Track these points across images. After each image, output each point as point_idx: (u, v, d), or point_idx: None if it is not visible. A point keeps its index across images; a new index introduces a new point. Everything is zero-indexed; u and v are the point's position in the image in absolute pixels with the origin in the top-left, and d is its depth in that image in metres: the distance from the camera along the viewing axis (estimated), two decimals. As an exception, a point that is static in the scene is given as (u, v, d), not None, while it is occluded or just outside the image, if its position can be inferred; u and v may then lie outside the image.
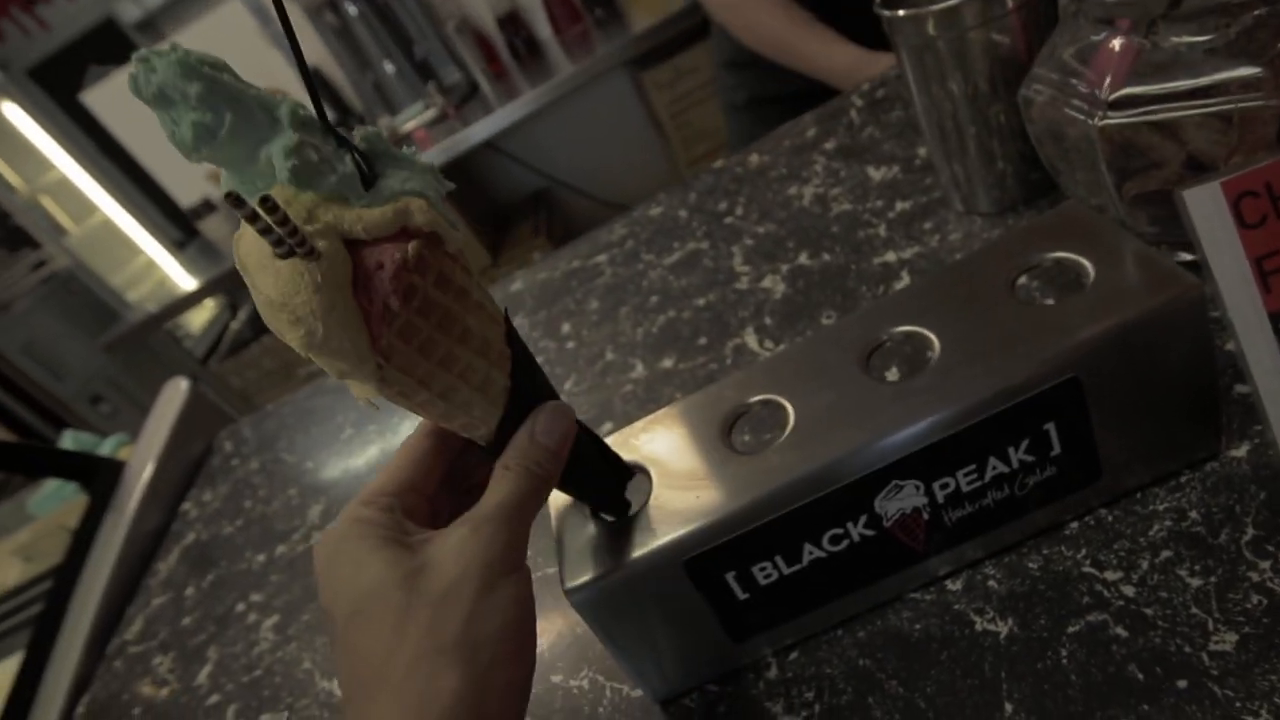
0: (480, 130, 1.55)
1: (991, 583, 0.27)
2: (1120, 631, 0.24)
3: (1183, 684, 0.22)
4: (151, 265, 4.05)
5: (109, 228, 3.96)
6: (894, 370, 0.33)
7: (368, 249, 0.21)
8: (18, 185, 3.54)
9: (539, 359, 0.54)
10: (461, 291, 0.23)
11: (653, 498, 0.26)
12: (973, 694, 0.24)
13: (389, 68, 1.69)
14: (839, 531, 0.25)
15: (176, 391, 0.74)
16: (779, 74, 0.83)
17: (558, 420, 0.24)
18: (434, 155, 1.55)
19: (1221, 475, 0.26)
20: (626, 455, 0.28)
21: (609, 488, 0.27)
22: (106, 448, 0.73)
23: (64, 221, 3.69)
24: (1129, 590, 0.25)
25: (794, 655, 0.28)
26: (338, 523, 0.24)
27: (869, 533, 0.25)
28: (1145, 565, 0.25)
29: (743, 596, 0.26)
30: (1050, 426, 0.24)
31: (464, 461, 0.26)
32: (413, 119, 1.70)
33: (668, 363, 0.47)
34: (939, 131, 0.43)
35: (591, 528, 0.27)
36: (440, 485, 0.25)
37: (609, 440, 0.28)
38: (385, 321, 0.21)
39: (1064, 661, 0.24)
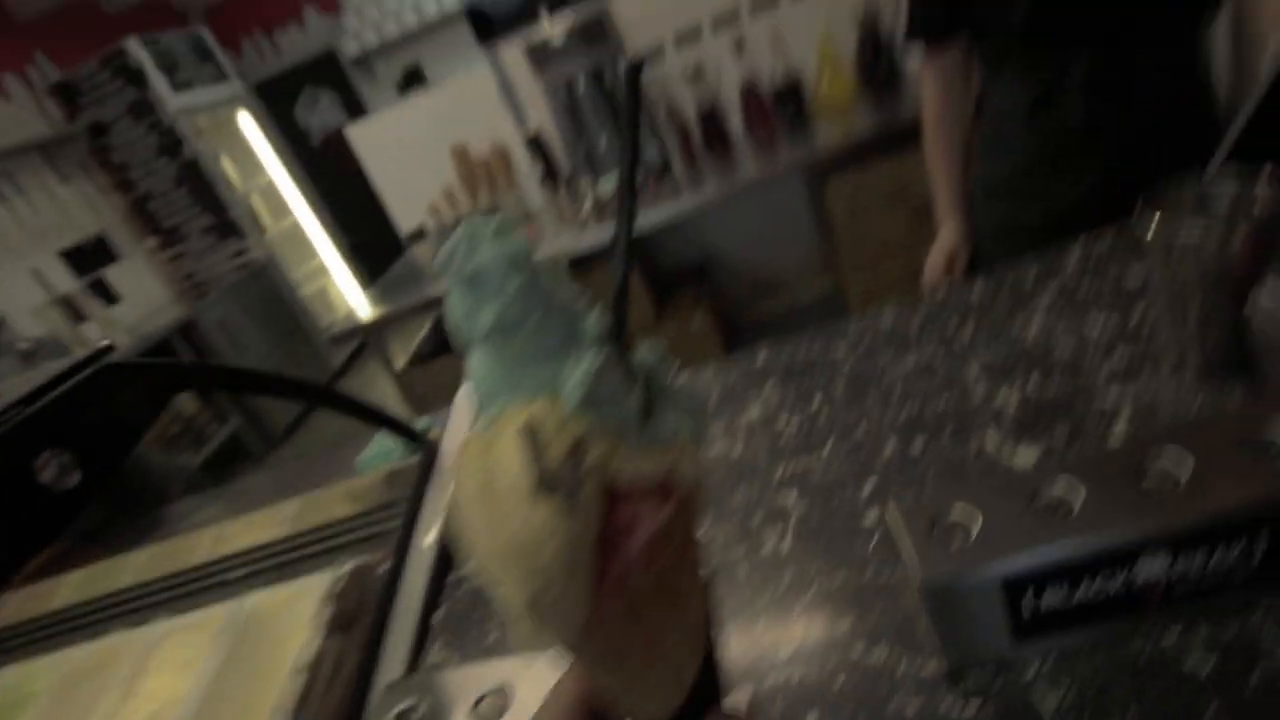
0: (665, 211, 1.78)
1: (1201, 633, 0.41)
2: (1295, 676, 0.37)
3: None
4: (323, 268, 4.55)
5: (296, 230, 4.50)
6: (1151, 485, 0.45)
7: (622, 503, 0.18)
8: (236, 183, 4.11)
9: (795, 421, 0.70)
10: (693, 558, 0.20)
11: (981, 532, 0.42)
12: (1179, 703, 0.38)
13: (602, 139, 1.96)
14: (1105, 580, 0.40)
15: (469, 393, 0.96)
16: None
17: None
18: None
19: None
20: (955, 511, 0.44)
21: None
22: (419, 426, 0.94)
23: (265, 220, 4.24)
24: (1302, 653, 0.38)
25: (1053, 656, 0.43)
26: None
27: (1124, 588, 0.40)
28: (1315, 640, 0.38)
29: (1031, 610, 0.41)
30: (1260, 539, 0.38)
31: None
32: (612, 184, 1.96)
33: (918, 448, 0.63)
34: (1167, 293, 0.53)
35: (926, 540, 0.42)
36: None
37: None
38: (613, 594, 0.18)
39: (1249, 695, 0.37)
